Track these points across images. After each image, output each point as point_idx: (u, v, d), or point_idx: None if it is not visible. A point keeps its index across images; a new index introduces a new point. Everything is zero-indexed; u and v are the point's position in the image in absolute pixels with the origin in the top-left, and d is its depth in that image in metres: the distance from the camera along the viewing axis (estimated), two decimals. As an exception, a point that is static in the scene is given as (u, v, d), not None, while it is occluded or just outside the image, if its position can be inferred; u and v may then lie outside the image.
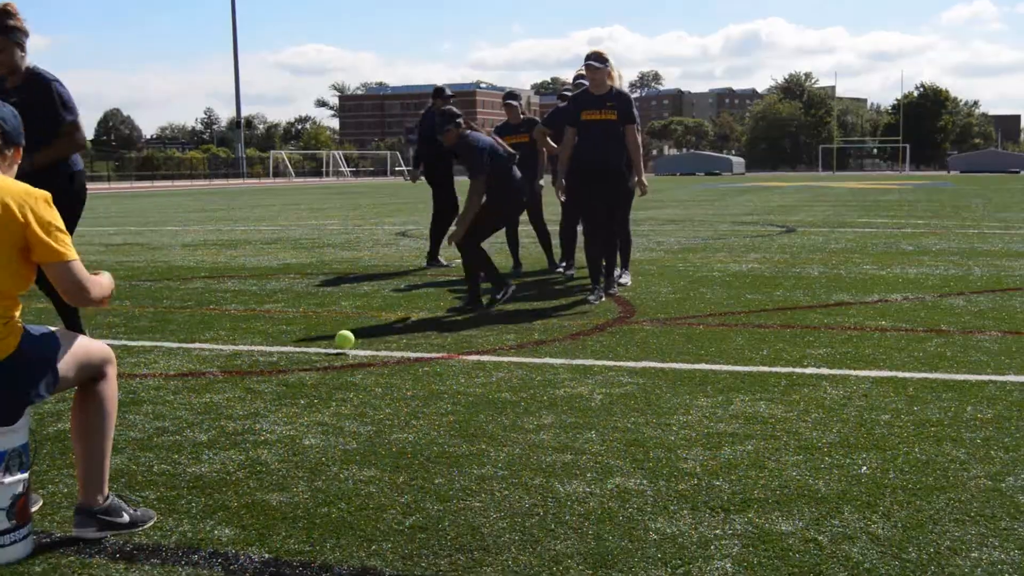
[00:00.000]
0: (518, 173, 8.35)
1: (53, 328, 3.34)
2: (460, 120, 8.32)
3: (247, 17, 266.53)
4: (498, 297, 8.33)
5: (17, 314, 3.17)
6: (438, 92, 12.61)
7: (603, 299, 8.59)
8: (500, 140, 8.47)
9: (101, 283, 3.25)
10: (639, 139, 8.88)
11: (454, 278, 10.57)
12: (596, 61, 8.46)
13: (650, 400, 5.12)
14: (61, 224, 3.17)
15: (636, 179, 8.84)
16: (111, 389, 3.44)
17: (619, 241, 9.12)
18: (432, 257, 12.07)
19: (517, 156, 8.44)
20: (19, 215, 3.06)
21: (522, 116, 11.39)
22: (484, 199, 8.24)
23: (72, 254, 3.16)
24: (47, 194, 3.18)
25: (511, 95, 11.58)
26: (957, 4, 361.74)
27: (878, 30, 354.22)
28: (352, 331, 6.74)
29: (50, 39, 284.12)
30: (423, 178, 12.24)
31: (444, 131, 8.31)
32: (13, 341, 3.10)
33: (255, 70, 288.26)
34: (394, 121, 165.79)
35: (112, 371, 3.45)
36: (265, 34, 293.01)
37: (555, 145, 10.26)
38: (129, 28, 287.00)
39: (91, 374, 3.38)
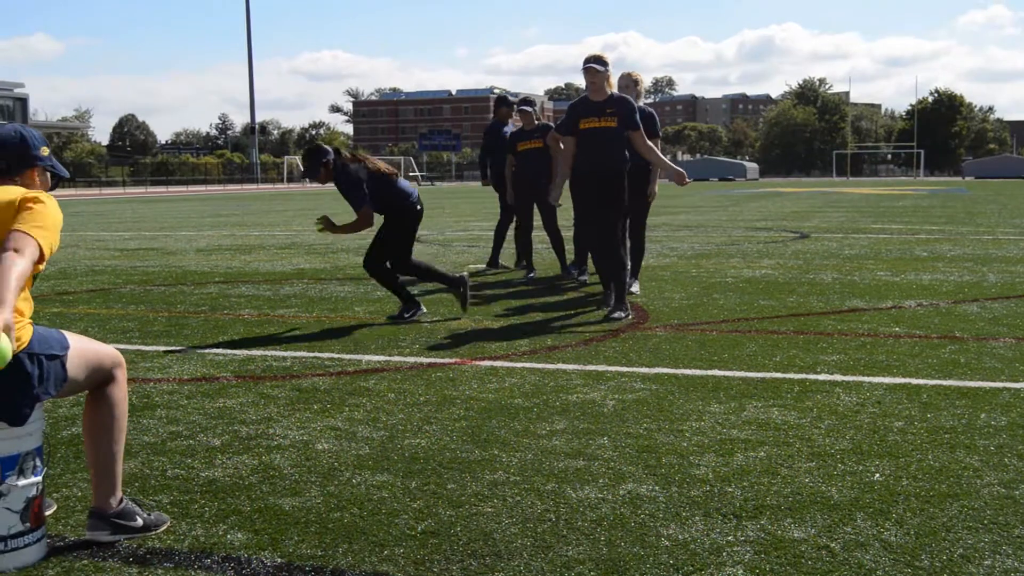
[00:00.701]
0: (404, 184, 8.09)
1: (63, 331, 3.36)
2: (329, 157, 7.84)
3: (263, 23, 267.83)
4: (406, 316, 8.05)
5: (27, 312, 3.19)
6: (501, 101, 12.57)
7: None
8: (371, 160, 8.07)
9: (9, 272, 2.93)
10: (656, 144, 8.82)
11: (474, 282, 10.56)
12: (598, 64, 8.01)
13: (663, 406, 5.12)
14: (48, 214, 3.14)
15: (650, 186, 8.81)
16: (121, 392, 3.46)
17: (632, 249, 9.05)
18: (494, 262, 12.42)
19: (397, 173, 8.15)
20: (18, 205, 3.12)
21: (536, 122, 11.43)
22: (385, 221, 8.04)
23: (29, 229, 3.05)
24: (51, 197, 3.22)
25: (526, 101, 11.62)
26: (972, 9, 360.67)
27: (893, 35, 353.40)
28: (366, 337, 6.74)
29: (65, 43, 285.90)
30: (492, 185, 12.53)
31: (316, 174, 7.85)
32: (25, 338, 3.12)
33: (270, 76, 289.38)
34: (408, 127, 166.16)
35: (122, 374, 3.47)
36: (281, 40, 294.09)
37: None
38: (145, 33, 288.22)
39: (102, 377, 3.40)
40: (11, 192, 3.18)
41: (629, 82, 9.06)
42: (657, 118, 9.32)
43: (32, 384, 3.12)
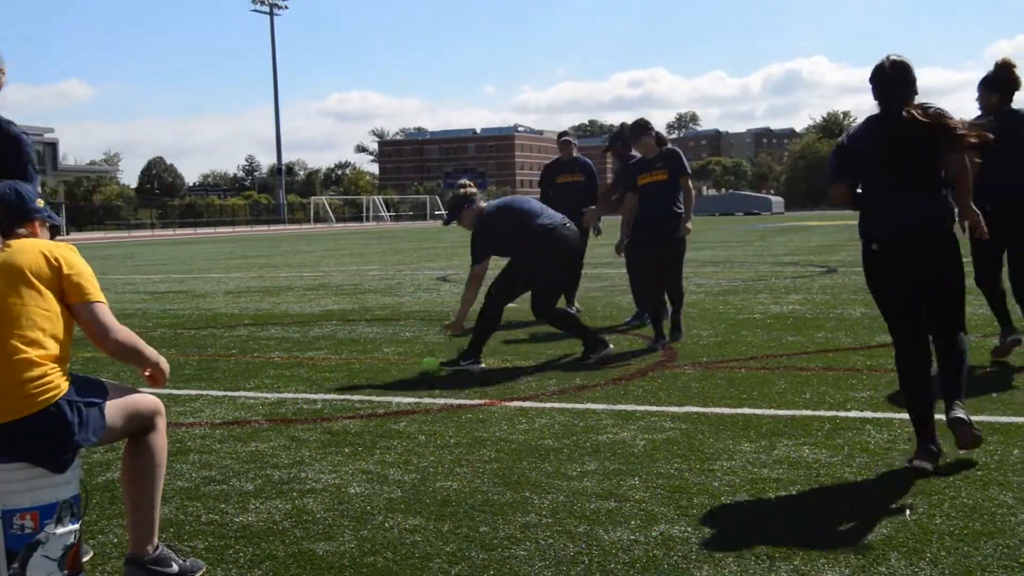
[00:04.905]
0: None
1: (102, 379, 3.42)
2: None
3: (291, 65, 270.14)
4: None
5: (67, 360, 3.27)
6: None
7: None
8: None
9: (131, 334, 3.46)
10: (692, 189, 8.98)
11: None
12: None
13: (693, 445, 5.12)
14: (89, 270, 3.39)
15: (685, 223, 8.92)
16: (161, 441, 3.51)
17: (672, 296, 8.97)
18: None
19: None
20: (53, 261, 3.29)
21: (575, 155, 11.44)
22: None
23: (99, 296, 3.37)
24: (72, 246, 3.39)
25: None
26: (1000, 39, 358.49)
27: (922, 66, 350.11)
28: (395, 378, 6.78)
29: (98, 89, 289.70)
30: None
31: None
32: (65, 385, 3.19)
33: (298, 117, 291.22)
34: (433, 166, 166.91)
35: (162, 423, 3.52)
36: (309, 81, 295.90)
37: None
38: (177, 77, 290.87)
39: (141, 425, 3.45)
40: (38, 244, 3.35)
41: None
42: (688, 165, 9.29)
43: (72, 432, 3.17)
